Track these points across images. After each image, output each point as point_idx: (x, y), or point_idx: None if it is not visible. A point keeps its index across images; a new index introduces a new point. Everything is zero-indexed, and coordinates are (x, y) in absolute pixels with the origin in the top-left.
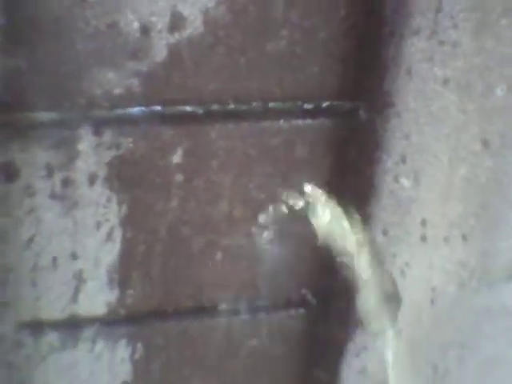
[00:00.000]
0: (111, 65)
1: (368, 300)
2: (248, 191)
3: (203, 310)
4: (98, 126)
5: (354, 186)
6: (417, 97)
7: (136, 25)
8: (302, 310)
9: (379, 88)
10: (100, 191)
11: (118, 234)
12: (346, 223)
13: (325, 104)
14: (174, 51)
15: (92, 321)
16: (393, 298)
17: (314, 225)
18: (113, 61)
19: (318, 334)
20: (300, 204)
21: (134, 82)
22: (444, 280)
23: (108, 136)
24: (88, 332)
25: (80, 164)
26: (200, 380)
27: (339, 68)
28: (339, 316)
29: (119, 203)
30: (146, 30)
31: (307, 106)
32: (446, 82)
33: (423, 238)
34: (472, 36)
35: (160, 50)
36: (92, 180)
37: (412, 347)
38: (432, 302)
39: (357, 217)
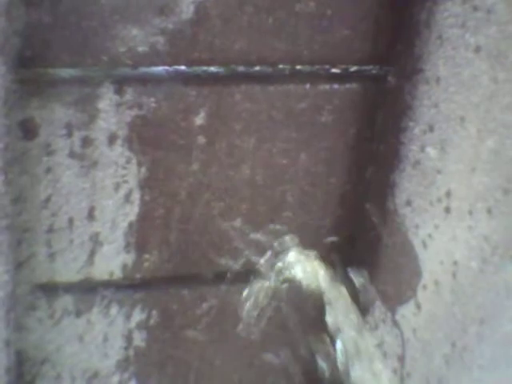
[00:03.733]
0: (136, 21)
1: None
2: (271, 156)
3: (221, 276)
4: (120, 85)
5: (380, 154)
6: (447, 64)
7: None
8: None
9: (409, 53)
10: (120, 152)
11: (136, 197)
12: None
13: (353, 68)
14: (201, 8)
15: (107, 284)
16: None
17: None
18: (138, 17)
19: None
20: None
21: (159, 40)
22: (466, 254)
23: (130, 95)
24: (103, 296)
25: (100, 123)
26: (216, 347)
27: (369, 31)
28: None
29: (139, 165)
30: None
31: (335, 70)
32: (477, 49)
33: (447, 210)
34: (507, 2)
35: (187, 7)
36: (112, 140)
37: (431, 322)
38: (453, 276)
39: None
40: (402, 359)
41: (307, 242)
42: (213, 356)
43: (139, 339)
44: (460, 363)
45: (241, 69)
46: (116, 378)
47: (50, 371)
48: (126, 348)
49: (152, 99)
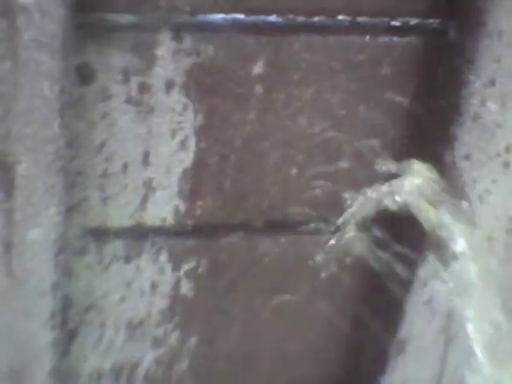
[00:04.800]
0: None
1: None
2: (329, 107)
3: (274, 227)
4: (178, 31)
5: (439, 108)
6: (510, 17)
7: None
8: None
9: (471, 6)
10: (176, 98)
11: (191, 144)
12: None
13: (413, 22)
14: None
15: (158, 231)
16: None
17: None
18: None
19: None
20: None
21: None
22: None
23: (188, 42)
24: (153, 242)
25: (157, 70)
26: (264, 299)
27: None
28: (407, 242)
29: (195, 112)
30: None
31: (395, 23)
32: None
33: (506, 165)
34: None
35: None
36: (169, 87)
37: (484, 279)
38: (508, 232)
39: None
40: (450, 317)
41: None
42: (259, 309)
43: (186, 288)
44: None
45: (300, 19)
46: (160, 328)
47: (95, 318)
48: (173, 297)
49: (210, 47)
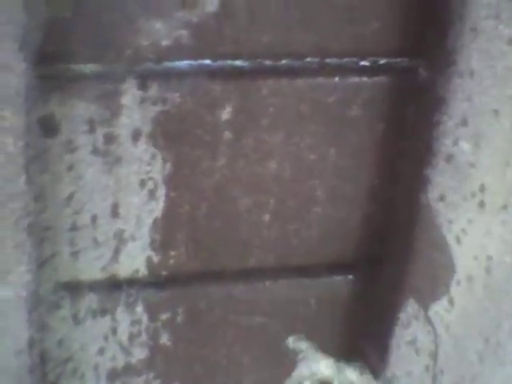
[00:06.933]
0: (159, 14)
1: None
2: (299, 151)
3: (249, 273)
4: (144, 80)
5: (411, 149)
6: (481, 56)
7: None
8: (350, 276)
9: (442, 45)
10: (144, 148)
11: (161, 193)
12: None
13: (382, 61)
14: (227, 1)
15: (132, 282)
16: None
17: None
18: (161, 10)
19: (367, 302)
20: None
21: (184, 34)
22: (501, 249)
23: (154, 90)
24: (128, 294)
25: (124, 119)
26: (243, 346)
27: (400, 23)
28: (391, 284)
29: (164, 161)
30: None
31: (364, 63)
32: (511, 41)
33: (481, 205)
34: None
35: (212, 0)
36: (136, 136)
37: (464, 318)
38: (487, 271)
39: None
40: (434, 356)
41: (336, 238)
42: (241, 355)
43: (165, 338)
44: (494, 359)
45: (268, 62)
46: (141, 378)
47: (74, 370)
48: (152, 347)
49: (177, 94)
